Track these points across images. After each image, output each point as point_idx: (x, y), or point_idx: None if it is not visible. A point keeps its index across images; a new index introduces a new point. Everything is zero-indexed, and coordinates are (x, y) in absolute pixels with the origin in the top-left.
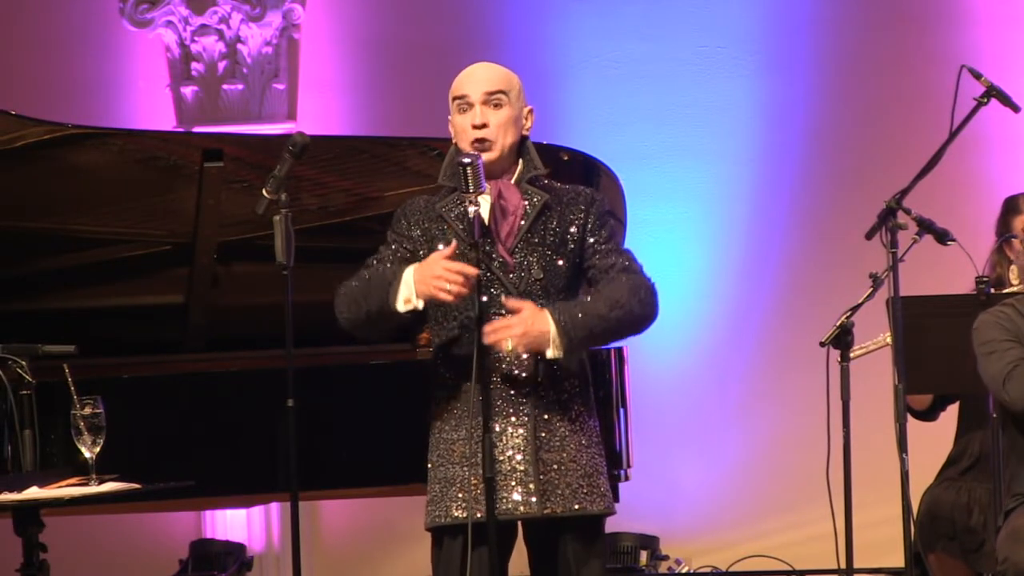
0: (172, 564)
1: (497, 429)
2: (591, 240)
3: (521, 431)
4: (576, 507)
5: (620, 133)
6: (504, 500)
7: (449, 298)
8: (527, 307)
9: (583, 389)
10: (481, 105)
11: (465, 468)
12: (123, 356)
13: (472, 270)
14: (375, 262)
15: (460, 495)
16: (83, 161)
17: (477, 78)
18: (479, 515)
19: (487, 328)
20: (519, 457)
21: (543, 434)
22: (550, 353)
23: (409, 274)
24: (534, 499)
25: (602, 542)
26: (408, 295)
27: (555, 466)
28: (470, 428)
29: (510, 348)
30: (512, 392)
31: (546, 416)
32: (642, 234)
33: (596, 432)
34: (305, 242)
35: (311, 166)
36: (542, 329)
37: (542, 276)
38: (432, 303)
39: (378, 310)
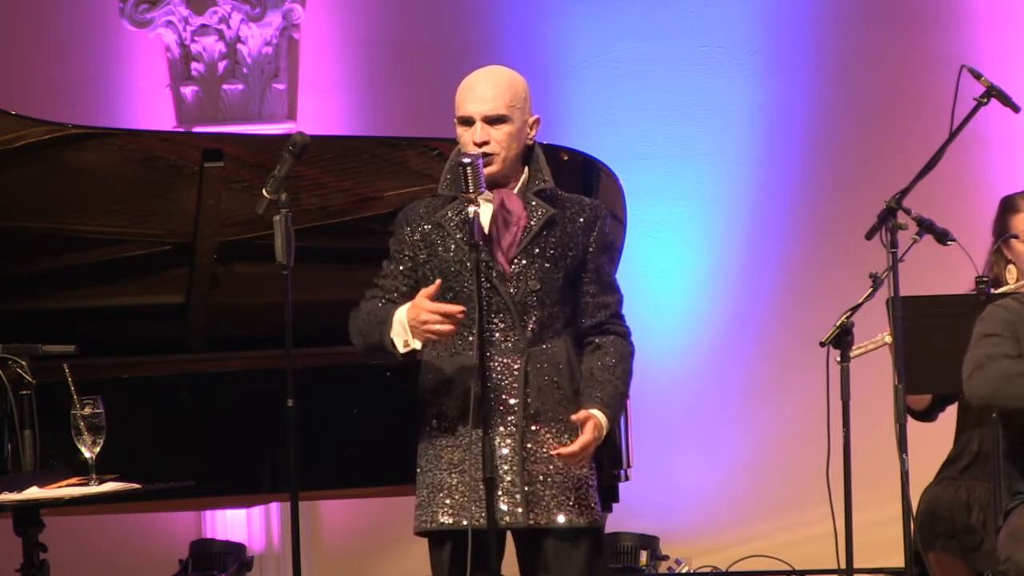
0: (172, 564)
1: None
2: (590, 265)
3: (509, 442)
4: (561, 519)
5: (620, 133)
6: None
7: (443, 337)
8: (590, 418)
9: (572, 400)
10: (481, 123)
11: (454, 475)
12: (123, 356)
13: (455, 308)
14: (380, 280)
15: (448, 501)
16: (83, 161)
17: (478, 97)
18: (464, 522)
19: (563, 452)
20: (506, 467)
21: (530, 445)
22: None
23: (403, 314)
24: (520, 509)
25: (592, 552)
26: (406, 337)
27: (540, 477)
28: (464, 435)
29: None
30: (500, 403)
31: (533, 427)
32: (642, 234)
33: None
34: (305, 242)
35: (311, 166)
36: (603, 433)
37: (539, 288)
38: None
39: (380, 347)
